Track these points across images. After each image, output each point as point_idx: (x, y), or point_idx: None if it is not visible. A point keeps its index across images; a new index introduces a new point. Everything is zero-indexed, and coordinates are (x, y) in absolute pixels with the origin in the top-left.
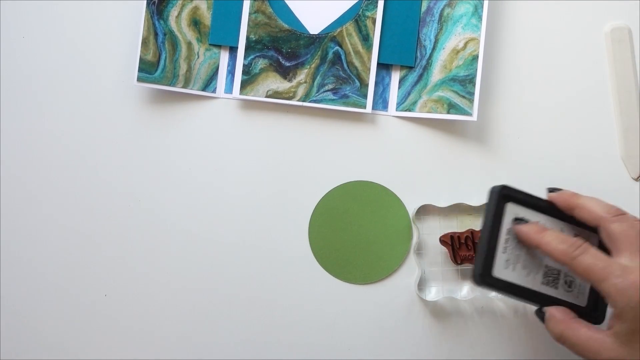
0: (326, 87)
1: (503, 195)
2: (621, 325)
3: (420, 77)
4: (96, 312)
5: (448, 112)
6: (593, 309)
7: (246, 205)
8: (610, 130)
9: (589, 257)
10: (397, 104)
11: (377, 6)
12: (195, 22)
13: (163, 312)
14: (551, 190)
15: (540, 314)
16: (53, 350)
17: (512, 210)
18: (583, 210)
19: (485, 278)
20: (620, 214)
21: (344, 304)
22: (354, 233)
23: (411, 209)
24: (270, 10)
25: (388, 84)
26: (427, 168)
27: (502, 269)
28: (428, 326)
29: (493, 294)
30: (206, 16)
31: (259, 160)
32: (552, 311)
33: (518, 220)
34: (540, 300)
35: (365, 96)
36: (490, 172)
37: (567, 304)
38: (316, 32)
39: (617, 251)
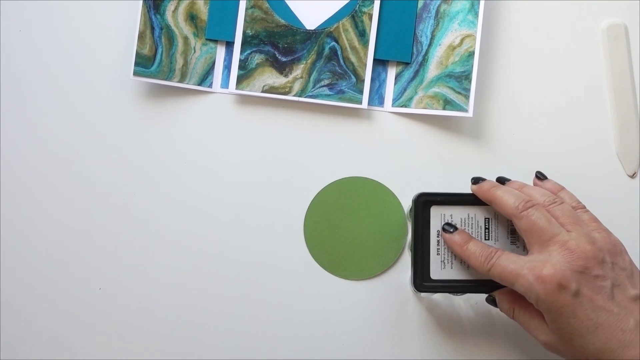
0: (322, 83)
1: (423, 202)
2: (545, 315)
3: (417, 73)
4: (90, 306)
5: (444, 109)
6: None
7: (241, 200)
8: (606, 127)
9: (500, 265)
10: (393, 99)
11: (373, 2)
12: (192, 17)
13: (157, 307)
14: (474, 181)
15: (491, 300)
16: (47, 343)
17: (438, 213)
18: (497, 206)
19: (425, 284)
20: (528, 207)
21: (338, 299)
22: (349, 229)
23: (406, 205)
24: (267, 5)
25: (384, 80)
26: (423, 164)
27: (439, 270)
28: (422, 322)
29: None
30: (203, 11)
31: (255, 155)
32: (500, 295)
33: (448, 225)
34: (487, 287)
35: (361, 92)
36: (485, 169)
37: None
38: (313, 28)
39: (529, 246)
